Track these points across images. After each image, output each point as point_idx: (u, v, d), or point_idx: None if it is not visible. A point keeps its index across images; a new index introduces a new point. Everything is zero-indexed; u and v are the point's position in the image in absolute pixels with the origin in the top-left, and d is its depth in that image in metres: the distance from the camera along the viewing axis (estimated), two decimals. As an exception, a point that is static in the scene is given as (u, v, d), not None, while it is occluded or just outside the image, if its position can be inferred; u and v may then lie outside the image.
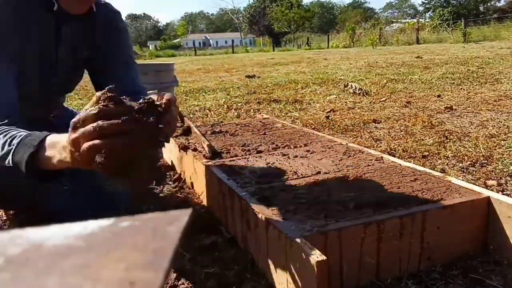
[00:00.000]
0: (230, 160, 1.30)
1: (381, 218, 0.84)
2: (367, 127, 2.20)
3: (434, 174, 1.11)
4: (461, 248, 0.91)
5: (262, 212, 0.88)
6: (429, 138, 1.90)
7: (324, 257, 0.68)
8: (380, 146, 1.82)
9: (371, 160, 1.23)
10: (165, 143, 0.59)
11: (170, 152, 1.74)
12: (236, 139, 1.57)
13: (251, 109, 2.88)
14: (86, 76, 1.14)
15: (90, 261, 0.19)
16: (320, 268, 0.66)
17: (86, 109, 0.57)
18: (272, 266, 0.84)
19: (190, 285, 0.87)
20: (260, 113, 2.55)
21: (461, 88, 3.27)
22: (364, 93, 3.21)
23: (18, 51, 0.90)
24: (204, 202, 1.32)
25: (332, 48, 15.72)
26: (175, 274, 0.89)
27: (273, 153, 1.35)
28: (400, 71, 4.64)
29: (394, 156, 1.60)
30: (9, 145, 0.69)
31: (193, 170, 1.41)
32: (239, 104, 3.08)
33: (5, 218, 1.23)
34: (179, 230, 0.21)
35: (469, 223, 0.92)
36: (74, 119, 0.57)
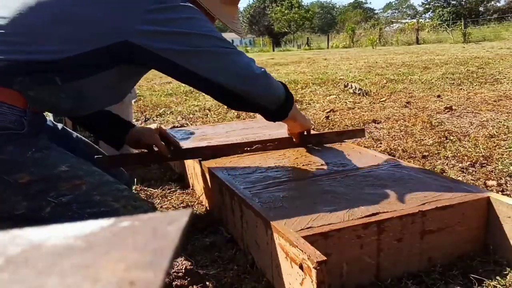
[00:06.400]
0: (230, 161, 1.30)
1: (381, 218, 0.84)
2: (367, 127, 2.20)
3: (434, 174, 1.11)
4: (461, 248, 0.92)
5: (262, 212, 0.88)
6: (429, 138, 1.90)
7: (324, 257, 0.68)
8: (380, 146, 1.82)
9: (371, 159, 1.24)
10: None
11: (170, 152, 1.74)
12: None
13: (251, 109, 2.88)
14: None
15: (90, 261, 0.19)
16: (320, 268, 0.66)
17: None
18: (271, 267, 0.84)
19: (190, 285, 0.87)
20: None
21: (461, 88, 3.27)
22: (364, 93, 3.21)
23: None
24: (204, 202, 1.32)
25: (332, 48, 15.72)
26: (174, 274, 0.89)
27: (274, 153, 1.35)
28: (400, 71, 4.64)
29: (394, 156, 1.60)
30: None
31: (192, 171, 1.41)
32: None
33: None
34: (178, 230, 0.21)
35: (469, 223, 0.92)
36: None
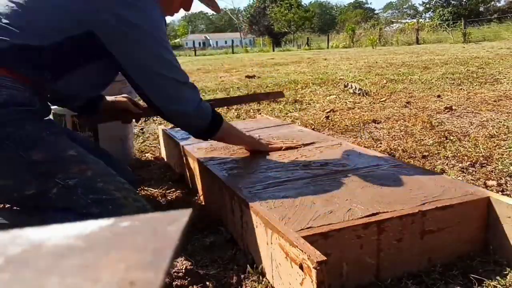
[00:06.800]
0: (230, 161, 1.30)
1: (381, 218, 0.84)
2: (367, 127, 2.20)
3: (434, 174, 1.11)
4: (461, 248, 0.92)
5: (261, 212, 0.88)
6: (429, 138, 1.90)
7: (324, 257, 0.68)
8: (380, 146, 1.82)
9: (371, 159, 1.24)
10: None
11: (170, 152, 1.75)
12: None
13: (251, 109, 2.88)
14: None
15: (90, 261, 0.19)
16: (320, 268, 0.66)
17: None
18: (271, 267, 0.84)
19: (190, 285, 0.87)
20: (260, 113, 2.55)
21: (461, 88, 3.27)
22: (364, 93, 3.21)
23: None
24: (204, 202, 1.32)
25: (332, 49, 15.72)
26: (174, 274, 0.89)
27: (274, 153, 1.35)
28: (400, 71, 4.64)
29: (394, 156, 1.60)
30: None
31: (192, 170, 1.41)
32: (239, 104, 3.08)
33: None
34: (179, 230, 0.21)
35: (469, 223, 0.92)
36: None
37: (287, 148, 1.41)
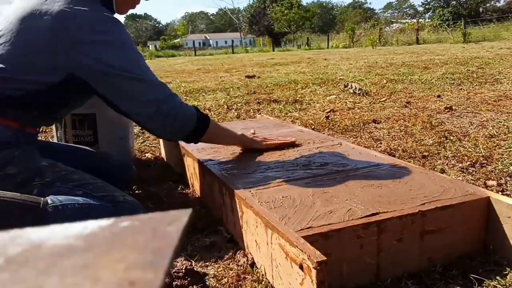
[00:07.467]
0: (231, 160, 1.30)
1: (381, 218, 0.84)
2: (367, 127, 2.20)
3: (434, 174, 1.11)
4: (461, 248, 0.92)
5: (261, 212, 0.88)
6: (429, 138, 1.90)
7: (324, 257, 0.68)
8: (380, 146, 1.82)
9: (371, 159, 1.23)
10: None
11: (170, 152, 1.74)
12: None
13: (251, 109, 2.88)
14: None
15: (90, 261, 0.19)
16: (320, 268, 0.66)
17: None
18: (271, 267, 0.84)
19: (190, 285, 0.87)
20: (260, 113, 2.55)
21: (461, 89, 3.27)
22: (364, 93, 3.21)
23: None
24: (204, 202, 1.32)
25: (332, 48, 15.72)
26: (174, 274, 0.89)
27: (274, 153, 1.35)
28: (400, 71, 4.64)
29: (394, 156, 1.60)
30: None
31: (192, 170, 1.41)
32: (239, 104, 3.08)
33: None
34: (178, 230, 0.21)
35: (469, 223, 0.92)
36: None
37: (282, 145, 1.41)
